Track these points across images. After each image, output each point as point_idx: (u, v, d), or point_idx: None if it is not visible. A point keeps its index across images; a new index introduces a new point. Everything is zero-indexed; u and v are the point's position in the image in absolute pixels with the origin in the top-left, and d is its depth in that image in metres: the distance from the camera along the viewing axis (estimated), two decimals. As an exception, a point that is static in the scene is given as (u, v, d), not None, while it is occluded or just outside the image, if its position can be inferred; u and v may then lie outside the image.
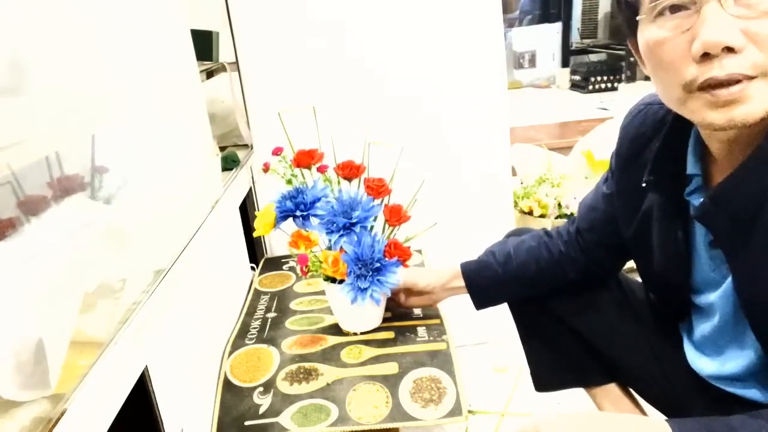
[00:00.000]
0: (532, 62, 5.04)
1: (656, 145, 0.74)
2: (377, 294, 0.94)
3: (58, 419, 0.49)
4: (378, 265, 0.94)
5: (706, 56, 0.57)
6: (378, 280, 0.94)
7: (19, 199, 0.55)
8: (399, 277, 0.96)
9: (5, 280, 0.50)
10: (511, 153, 1.59)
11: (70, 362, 0.54)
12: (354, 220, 0.94)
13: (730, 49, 0.56)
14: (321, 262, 0.97)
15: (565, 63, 5.01)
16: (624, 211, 0.85)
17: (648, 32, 0.62)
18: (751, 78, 0.57)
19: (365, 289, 0.94)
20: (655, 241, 0.80)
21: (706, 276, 0.76)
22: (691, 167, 0.73)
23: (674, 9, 0.59)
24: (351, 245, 0.94)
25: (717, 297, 0.75)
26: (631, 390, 1.01)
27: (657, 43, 0.61)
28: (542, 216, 2.02)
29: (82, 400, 0.53)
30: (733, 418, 0.59)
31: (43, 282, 0.53)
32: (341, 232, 0.94)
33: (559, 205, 2.03)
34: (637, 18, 0.64)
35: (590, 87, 4.57)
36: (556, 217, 2.01)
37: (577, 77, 4.76)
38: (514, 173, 2.01)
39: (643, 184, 0.76)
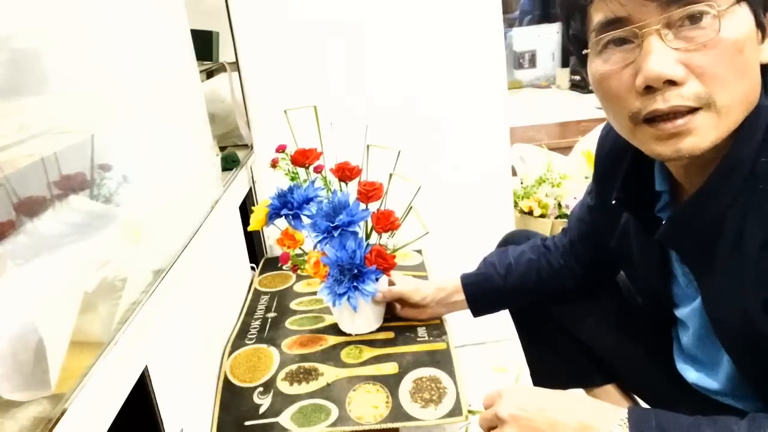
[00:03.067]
0: (532, 62, 5.03)
1: (628, 159, 0.75)
2: (354, 300, 0.93)
3: (58, 419, 0.49)
4: (356, 271, 0.93)
5: (649, 89, 0.58)
6: (355, 286, 0.93)
7: (19, 199, 0.55)
8: (378, 286, 0.94)
9: (5, 280, 0.50)
10: (511, 153, 1.59)
11: (70, 362, 0.54)
12: (336, 224, 0.93)
13: (672, 82, 0.56)
14: (306, 262, 0.97)
15: (565, 63, 4.99)
16: (605, 225, 0.85)
17: (594, 65, 0.63)
18: (694, 110, 0.57)
19: (342, 294, 0.93)
20: (635, 256, 0.81)
21: (682, 291, 0.77)
22: (659, 184, 0.73)
23: (618, 42, 0.60)
24: (334, 248, 0.94)
25: (690, 311, 0.76)
26: (631, 390, 1.01)
27: (603, 76, 0.62)
28: (542, 216, 2.02)
29: (82, 400, 0.53)
30: (692, 417, 0.60)
31: (43, 282, 0.53)
32: (324, 235, 0.94)
33: (559, 205, 2.03)
34: (584, 52, 0.65)
35: (590, 87, 4.55)
36: (556, 217, 2.01)
37: (577, 77, 4.75)
38: (514, 173, 2.01)
39: (613, 202, 0.76)
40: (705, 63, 0.56)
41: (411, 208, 1.01)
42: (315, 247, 0.97)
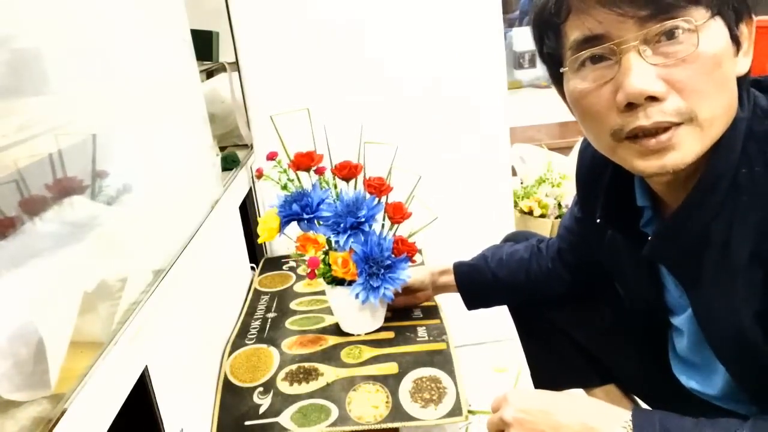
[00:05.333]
0: (532, 62, 5.03)
1: (608, 175, 0.75)
2: (389, 291, 0.94)
3: (58, 419, 0.49)
4: (388, 262, 0.94)
5: (630, 106, 0.57)
6: (390, 277, 0.94)
7: (20, 199, 0.55)
8: (409, 272, 0.96)
9: (5, 280, 0.50)
10: (511, 153, 1.59)
11: (70, 362, 0.54)
12: (362, 219, 0.94)
13: (653, 98, 0.56)
14: (329, 265, 0.97)
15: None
16: (593, 237, 0.85)
17: (572, 84, 0.63)
18: (677, 125, 0.57)
19: (377, 288, 0.94)
20: (626, 268, 0.81)
21: (674, 301, 0.77)
22: (640, 199, 0.73)
23: (595, 60, 0.59)
24: (359, 245, 0.94)
25: (684, 320, 0.76)
26: (631, 390, 1.01)
27: (581, 94, 0.62)
28: (542, 216, 2.02)
29: (82, 400, 0.53)
30: (695, 420, 0.60)
31: (43, 282, 0.53)
32: (349, 232, 0.94)
33: (559, 205, 2.03)
34: (561, 70, 0.64)
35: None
36: (556, 217, 2.00)
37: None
38: (514, 173, 2.01)
39: (597, 221, 0.76)
40: (685, 78, 0.56)
41: (414, 196, 1.02)
42: (335, 247, 0.97)
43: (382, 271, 0.94)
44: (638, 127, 0.58)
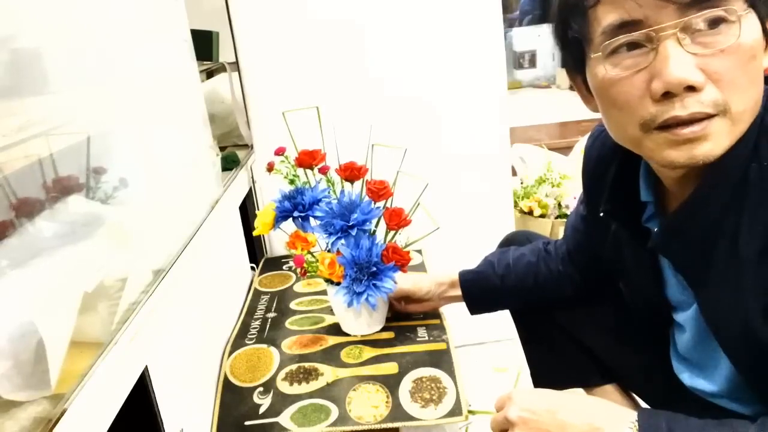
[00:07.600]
0: (532, 62, 5.03)
1: (613, 170, 0.74)
2: (373, 299, 0.93)
3: (58, 419, 0.49)
4: (374, 269, 0.93)
5: (666, 95, 0.56)
6: (374, 284, 0.93)
7: (19, 199, 0.55)
8: (396, 282, 0.94)
9: (5, 280, 0.50)
10: (511, 153, 1.59)
11: (70, 362, 0.54)
12: (351, 223, 0.93)
13: (691, 88, 0.55)
14: (318, 263, 0.96)
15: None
16: (596, 233, 0.85)
17: (601, 70, 0.60)
18: (711, 116, 0.56)
19: (360, 293, 0.92)
20: (628, 264, 0.80)
21: (677, 297, 0.77)
22: (644, 194, 0.72)
23: (630, 47, 0.58)
24: (348, 248, 0.93)
25: (687, 317, 0.75)
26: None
27: (611, 81, 0.59)
28: (542, 216, 2.02)
29: (82, 400, 0.53)
30: (702, 421, 0.59)
31: (43, 282, 0.53)
32: (338, 235, 0.94)
33: (559, 205, 2.03)
34: (592, 56, 0.62)
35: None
36: (556, 217, 2.01)
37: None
38: (514, 173, 2.01)
39: (601, 214, 0.76)
40: (722, 69, 0.55)
41: (418, 204, 1.01)
42: (328, 247, 0.97)
43: (366, 277, 0.93)
44: (674, 117, 0.56)
